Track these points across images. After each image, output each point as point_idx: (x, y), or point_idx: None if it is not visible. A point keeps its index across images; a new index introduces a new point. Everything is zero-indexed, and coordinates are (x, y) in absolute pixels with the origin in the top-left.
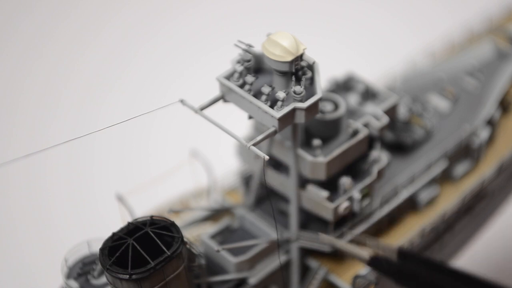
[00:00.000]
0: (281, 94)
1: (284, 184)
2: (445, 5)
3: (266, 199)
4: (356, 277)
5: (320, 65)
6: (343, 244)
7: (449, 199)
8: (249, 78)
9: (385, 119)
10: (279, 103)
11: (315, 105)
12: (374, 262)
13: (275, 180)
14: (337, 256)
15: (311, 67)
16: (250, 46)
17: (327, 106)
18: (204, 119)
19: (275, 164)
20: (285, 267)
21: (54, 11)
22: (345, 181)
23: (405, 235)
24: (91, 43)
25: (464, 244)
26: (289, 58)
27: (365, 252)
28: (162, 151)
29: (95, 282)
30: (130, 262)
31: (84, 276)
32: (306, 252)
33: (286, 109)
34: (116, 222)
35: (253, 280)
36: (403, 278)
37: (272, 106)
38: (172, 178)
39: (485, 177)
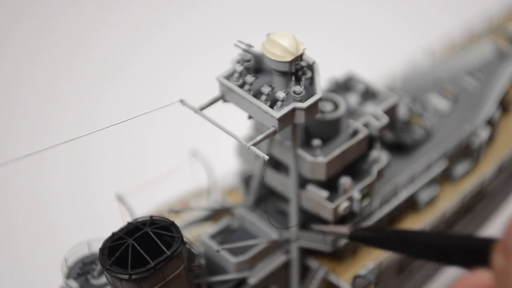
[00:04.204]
0: (281, 94)
1: (284, 184)
2: (445, 5)
3: (266, 199)
4: (356, 277)
5: (320, 65)
6: (323, 227)
7: (449, 199)
8: (249, 78)
9: (385, 119)
10: (279, 103)
11: (315, 105)
12: (354, 235)
13: (275, 180)
14: (337, 256)
15: (311, 67)
16: (250, 46)
17: (327, 106)
18: (204, 119)
19: (275, 164)
20: (285, 267)
21: (54, 11)
22: (345, 181)
23: None
24: (91, 43)
25: None
26: (289, 58)
27: (344, 229)
28: (162, 151)
29: (95, 282)
30: (130, 262)
31: (84, 276)
32: (306, 252)
33: (286, 109)
34: (116, 222)
35: (253, 280)
36: (380, 242)
37: (272, 106)
38: (172, 178)
39: (485, 177)
